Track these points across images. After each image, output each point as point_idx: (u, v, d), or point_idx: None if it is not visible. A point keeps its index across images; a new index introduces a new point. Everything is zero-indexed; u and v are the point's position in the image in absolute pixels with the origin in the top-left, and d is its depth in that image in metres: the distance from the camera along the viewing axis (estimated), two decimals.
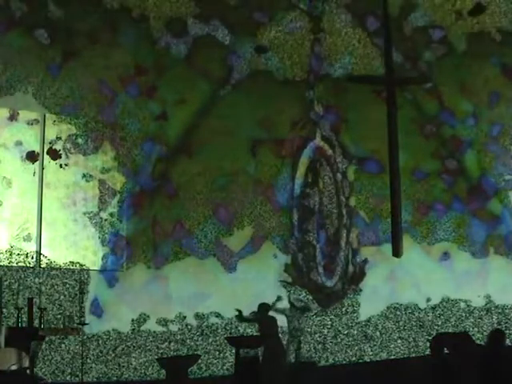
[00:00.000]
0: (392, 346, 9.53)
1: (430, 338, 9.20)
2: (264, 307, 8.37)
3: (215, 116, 9.63)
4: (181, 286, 9.24)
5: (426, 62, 10.21)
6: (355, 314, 9.68)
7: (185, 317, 9.20)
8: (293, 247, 9.66)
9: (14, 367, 4.91)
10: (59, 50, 9.23)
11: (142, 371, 8.82)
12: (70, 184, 9.13)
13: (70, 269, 8.91)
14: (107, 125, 9.29)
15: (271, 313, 8.45)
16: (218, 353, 8.93)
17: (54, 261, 8.86)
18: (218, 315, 9.25)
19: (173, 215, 9.38)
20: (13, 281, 8.52)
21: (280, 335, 8.43)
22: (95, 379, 8.66)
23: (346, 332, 9.55)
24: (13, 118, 9.06)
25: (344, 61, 10.02)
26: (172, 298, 9.24)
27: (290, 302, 9.31)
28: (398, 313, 9.74)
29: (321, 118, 9.91)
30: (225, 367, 8.87)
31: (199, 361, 8.61)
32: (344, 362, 9.42)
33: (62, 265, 8.89)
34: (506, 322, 9.65)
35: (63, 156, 9.13)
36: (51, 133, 9.09)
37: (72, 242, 9.00)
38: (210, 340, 9.03)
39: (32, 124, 9.07)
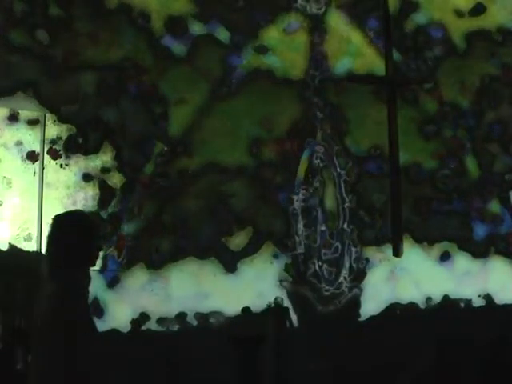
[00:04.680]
0: (391, 345, 9.50)
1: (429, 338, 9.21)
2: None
3: (215, 116, 9.62)
4: (181, 285, 9.23)
5: (426, 62, 10.22)
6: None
7: (185, 317, 9.20)
8: (293, 247, 9.65)
9: None
10: (59, 49, 9.23)
11: (142, 371, 8.79)
12: (70, 184, 9.13)
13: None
14: (107, 125, 9.28)
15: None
16: (218, 353, 8.92)
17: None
18: (218, 315, 9.24)
19: (173, 215, 9.38)
20: (13, 281, 8.51)
21: None
22: (95, 380, 8.63)
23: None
24: (13, 118, 9.06)
25: (344, 61, 10.02)
26: (172, 298, 9.24)
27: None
28: (398, 312, 9.75)
29: (321, 118, 9.90)
30: (225, 367, 8.86)
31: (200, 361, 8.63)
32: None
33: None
34: (507, 322, 9.64)
35: (63, 156, 9.14)
36: (51, 133, 9.09)
37: None
38: (210, 340, 9.01)
39: (32, 124, 9.07)
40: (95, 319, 8.97)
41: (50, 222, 4.80)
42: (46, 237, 4.51)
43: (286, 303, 9.41)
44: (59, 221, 4.69)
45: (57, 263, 4.55)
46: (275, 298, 9.17)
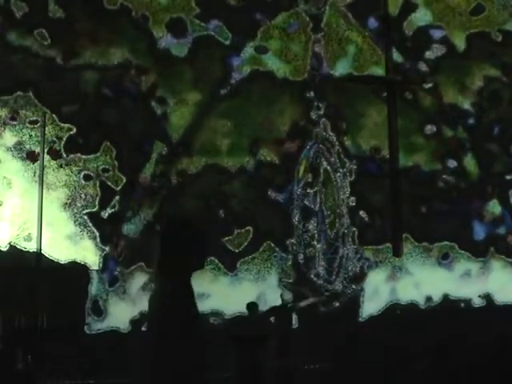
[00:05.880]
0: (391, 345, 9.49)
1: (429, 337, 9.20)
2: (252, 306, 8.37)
3: (215, 116, 9.63)
4: None
5: (426, 62, 10.21)
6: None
7: None
8: (293, 247, 9.65)
9: None
10: (59, 49, 9.24)
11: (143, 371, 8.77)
12: (70, 184, 9.14)
13: (70, 269, 8.91)
14: (107, 125, 9.29)
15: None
16: (218, 352, 8.90)
17: (54, 261, 8.87)
18: (218, 315, 9.24)
19: (173, 215, 9.37)
20: (13, 281, 8.51)
21: None
22: (95, 379, 8.64)
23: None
24: (13, 118, 9.07)
25: (344, 61, 10.02)
26: None
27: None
28: (398, 312, 9.74)
29: (321, 118, 9.90)
30: (225, 367, 8.85)
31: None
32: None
33: (62, 265, 8.89)
34: (506, 322, 9.63)
35: (63, 156, 9.14)
36: (51, 133, 9.10)
37: (72, 242, 9.01)
38: (210, 340, 8.98)
39: (32, 124, 9.07)
40: (95, 319, 9.06)
41: (170, 227, 4.81)
42: (163, 242, 4.60)
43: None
44: (179, 226, 4.80)
45: (179, 266, 4.67)
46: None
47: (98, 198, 9.19)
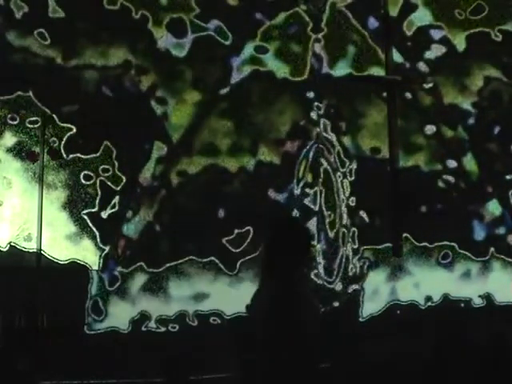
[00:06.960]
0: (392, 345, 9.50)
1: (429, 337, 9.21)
2: None
3: (215, 116, 9.63)
4: (181, 285, 9.24)
5: (426, 62, 10.22)
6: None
7: (185, 317, 9.20)
8: None
9: None
10: (59, 49, 9.24)
11: (142, 371, 8.80)
12: (70, 184, 9.14)
13: (70, 269, 8.91)
14: (107, 125, 9.28)
15: None
16: (218, 353, 8.92)
17: (54, 261, 8.87)
18: (218, 315, 9.24)
19: (173, 215, 9.38)
20: (13, 281, 8.51)
21: None
22: (95, 380, 8.64)
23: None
24: (13, 118, 9.07)
25: (344, 61, 10.02)
26: (172, 298, 9.24)
27: None
28: (398, 312, 9.75)
29: (321, 118, 9.90)
30: (225, 367, 8.86)
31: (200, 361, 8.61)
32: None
33: (62, 265, 8.89)
34: (507, 322, 9.64)
35: (63, 156, 9.14)
36: (51, 133, 9.09)
37: (72, 242, 9.01)
38: (211, 340, 9.01)
39: (32, 124, 9.07)
40: (95, 319, 9.06)
41: (275, 229, 4.81)
42: (269, 244, 4.65)
43: None
44: (286, 224, 4.86)
45: (286, 266, 4.72)
46: None
47: (98, 198, 9.18)
